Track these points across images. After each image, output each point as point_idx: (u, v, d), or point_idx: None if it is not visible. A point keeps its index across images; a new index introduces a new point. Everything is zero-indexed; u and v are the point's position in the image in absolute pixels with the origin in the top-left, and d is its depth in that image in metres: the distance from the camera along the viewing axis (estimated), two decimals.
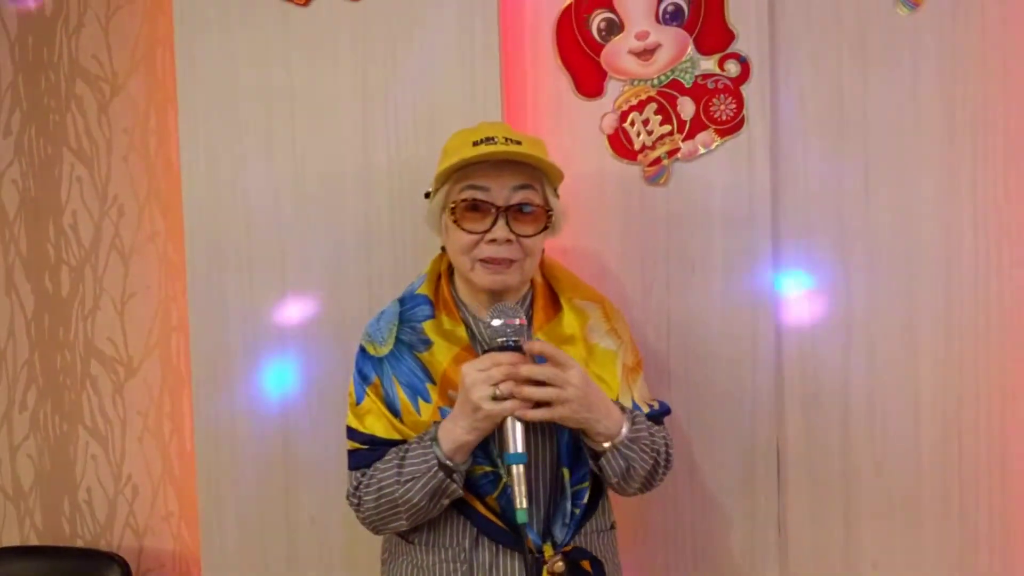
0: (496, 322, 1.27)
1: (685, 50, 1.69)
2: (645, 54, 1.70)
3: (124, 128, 1.99)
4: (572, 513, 1.33)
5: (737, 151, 1.68)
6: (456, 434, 1.26)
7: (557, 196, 1.40)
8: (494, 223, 1.33)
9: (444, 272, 1.46)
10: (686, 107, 1.69)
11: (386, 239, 1.74)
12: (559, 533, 1.33)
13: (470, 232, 1.34)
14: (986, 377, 1.67)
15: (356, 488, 1.37)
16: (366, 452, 1.37)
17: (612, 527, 1.46)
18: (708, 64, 1.68)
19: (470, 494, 1.33)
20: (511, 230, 1.33)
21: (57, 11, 2.01)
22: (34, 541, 2.09)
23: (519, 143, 1.34)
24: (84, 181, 2.02)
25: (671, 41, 1.69)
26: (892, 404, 1.69)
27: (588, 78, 1.72)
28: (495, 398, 1.22)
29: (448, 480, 1.28)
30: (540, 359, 1.27)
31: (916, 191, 1.67)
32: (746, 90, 1.67)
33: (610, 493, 1.45)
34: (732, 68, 1.68)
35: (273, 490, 1.79)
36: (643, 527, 1.74)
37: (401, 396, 1.36)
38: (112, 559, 1.93)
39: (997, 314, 1.66)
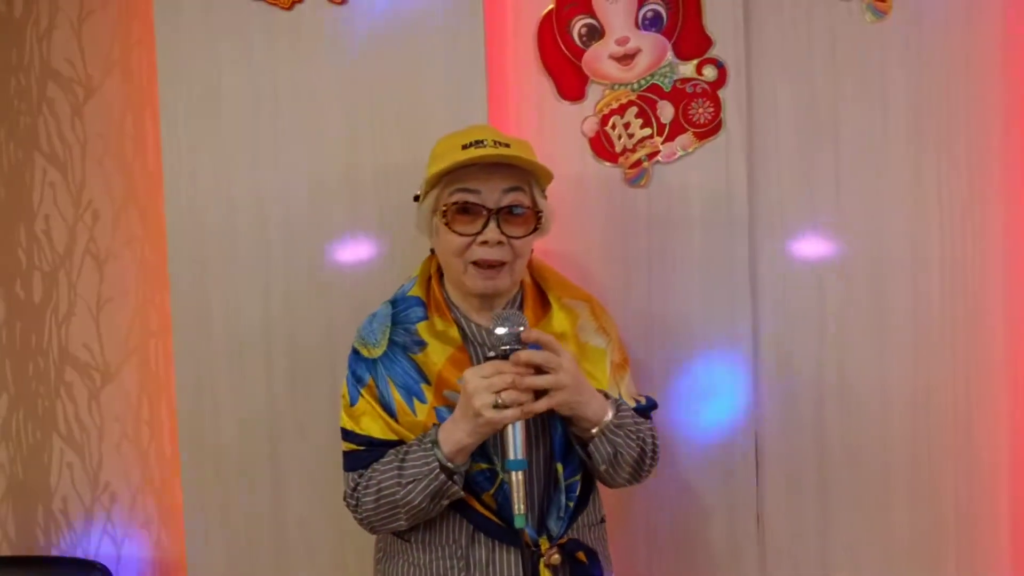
0: (500, 330, 1.27)
1: (664, 55, 1.73)
2: (625, 59, 1.73)
3: (99, 132, 1.96)
4: (566, 506, 1.36)
5: (715, 153, 1.73)
6: (457, 437, 1.28)
7: (545, 197, 1.42)
8: (485, 225, 1.34)
9: (434, 274, 1.47)
10: (665, 111, 1.73)
11: (371, 242, 1.75)
12: (554, 526, 1.35)
13: (461, 234, 1.35)
14: (952, 368, 1.74)
15: (354, 489, 1.38)
16: (363, 453, 1.38)
17: (602, 520, 1.49)
18: (686, 69, 1.73)
19: (466, 492, 1.34)
20: (502, 232, 1.34)
21: (26, 14, 1.97)
22: (6, 552, 2.04)
23: (508, 145, 1.35)
24: (57, 186, 1.98)
25: (650, 47, 1.73)
26: (864, 397, 1.76)
27: (570, 82, 1.75)
28: (497, 406, 1.24)
29: (449, 482, 1.29)
30: (534, 347, 1.28)
31: (885, 190, 1.74)
32: (723, 94, 1.72)
33: (599, 487, 1.48)
34: (710, 73, 1.72)
35: (259, 494, 1.78)
36: (625, 520, 1.77)
37: (396, 397, 1.37)
38: (93, 567, 1.90)
39: (963, 308, 1.73)
